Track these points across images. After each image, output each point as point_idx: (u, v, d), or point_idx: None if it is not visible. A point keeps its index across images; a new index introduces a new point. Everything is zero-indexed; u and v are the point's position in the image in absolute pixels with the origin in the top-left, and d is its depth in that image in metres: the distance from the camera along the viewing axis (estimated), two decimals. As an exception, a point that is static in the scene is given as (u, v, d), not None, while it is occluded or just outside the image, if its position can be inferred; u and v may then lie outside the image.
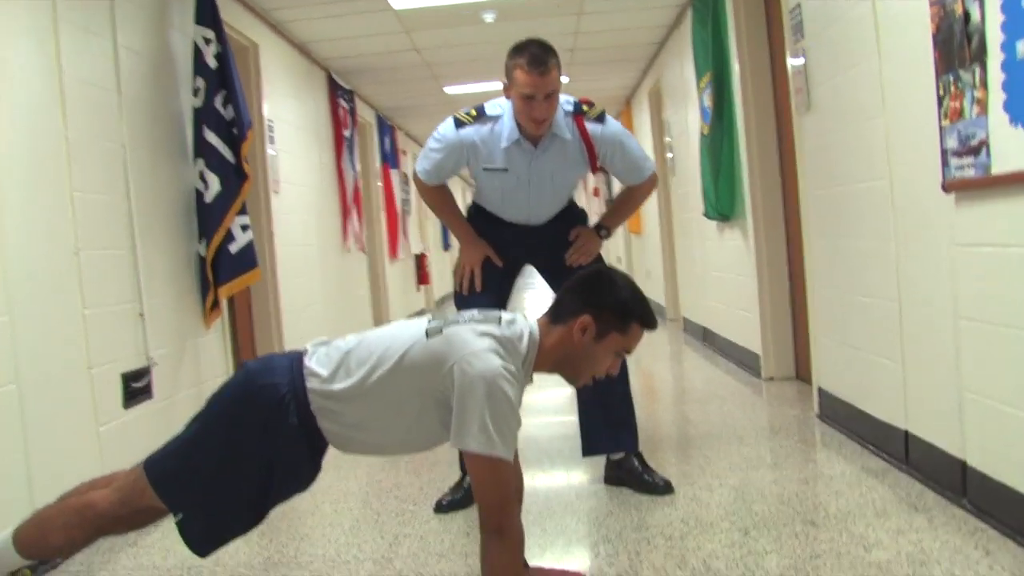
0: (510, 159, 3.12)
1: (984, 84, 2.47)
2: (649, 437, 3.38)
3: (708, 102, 5.64)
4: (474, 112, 3.14)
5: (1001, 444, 2.57)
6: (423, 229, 12.64)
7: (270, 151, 5.58)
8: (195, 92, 4.18)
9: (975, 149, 2.54)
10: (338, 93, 7.49)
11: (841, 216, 3.72)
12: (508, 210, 3.29)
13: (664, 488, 3.20)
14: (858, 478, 3.20)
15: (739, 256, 5.57)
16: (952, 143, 2.67)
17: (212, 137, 4.15)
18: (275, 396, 2.14)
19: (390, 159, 9.72)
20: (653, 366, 6.48)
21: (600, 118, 3.16)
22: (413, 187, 11.87)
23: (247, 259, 4.27)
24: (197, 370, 4.20)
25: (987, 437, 2.64)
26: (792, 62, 4.13)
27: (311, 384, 2.16)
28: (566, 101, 3.12)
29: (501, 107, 3.12)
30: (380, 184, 9.29)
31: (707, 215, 6.00)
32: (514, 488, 2.11)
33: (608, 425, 3.31)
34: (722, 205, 5.54)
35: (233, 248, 4.21)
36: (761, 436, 4.00)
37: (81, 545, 2.38)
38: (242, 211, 4.25)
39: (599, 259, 3.37)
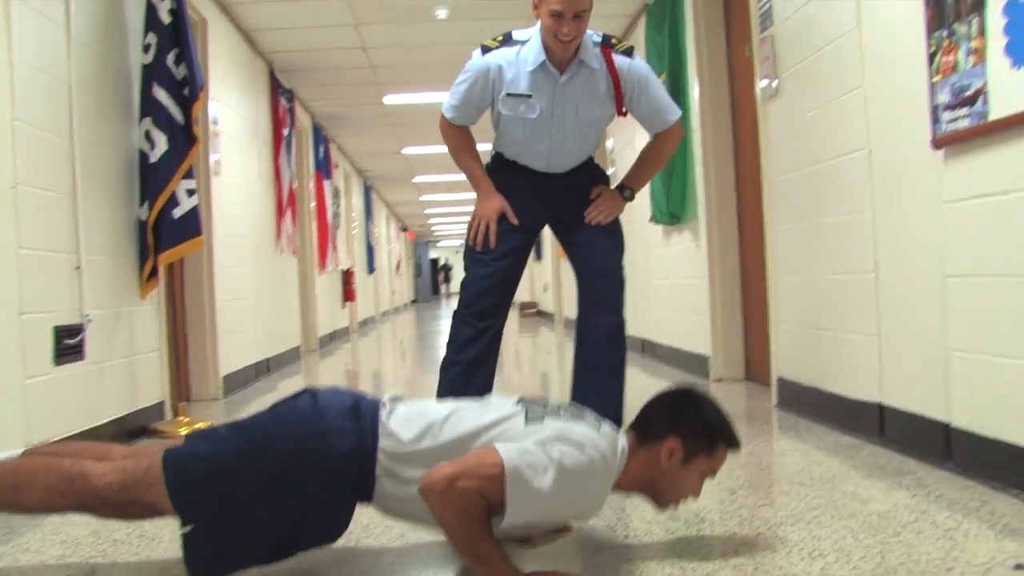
0: (535, 85, 3.05)
1: (982, 32, 2.46)
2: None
3: (661, 105, 5.61)
4: (500, 37, 3.10)
5: (992, 398, 2.52)
6: (350, 246, 12.41)
7: (214, 130, 5.36)
8: (145, 48, 3.96)
9: (970, 99, 2.53)
10: (279, 90, 7.29)
11: (810, 198, 3.69)
12: (529, 150, 3.18)
13: None
14: (834, 450, 3.13)
15: (688, 259, 5.54)
16: (944, 97, 2.65)
17: (162, 95, 3.93)
18: (342, 446, 1.94)
19: (323, 168, 9.52)
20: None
21: (628, 52, 3.11)
22: (343, 201, 11.77)
23: (191, 225, 4.03)
24: (131, 340, 3.94)
25: (976, 394, 2.60)
26: (759, 51, 4.12)
27: (384, 444, 1.96)
28: (595, 33, 3.09)
29: (529, 33, 3.08)
30: (313, 191, 9.08)
31: (655, 220, 5.97)
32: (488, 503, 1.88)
33: (598, 395, 3.18)
34: (674, 206, 5.51)
35: (177, 213, 3.97)
36: (723, 422, 3.91)
37: (53, 512, 2.11)
38: (188, 175, 4.03)
39: (616, 221, 3.29)
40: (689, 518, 2.38)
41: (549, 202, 3.23)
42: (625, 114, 3.20)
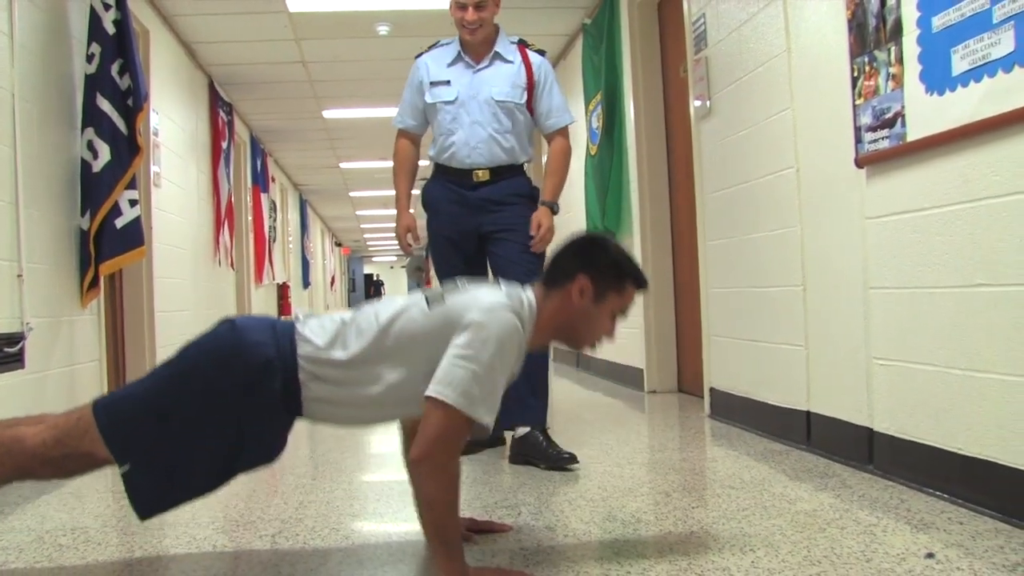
0: (453, 73, 3.44)
1: (900, 60, 2.63)
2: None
3: (597, 123, 5.77)
4: (430, 45, 3.57)
5: (909, 402, 2.67)
6: (287, 260, 12.35)
7: (154, 142, 5.35)
8: (89, 58, 3.97)
9: (890, 121, 2.69)
10: (218, 103, 7.28)
11: (741, 213, 3.85)
12: (451, 139, 3.41)
13: (569, 459, 3.17)
14: (764, 456, 3.26)
15: (624, 274, 5.66)
16: (866, 119, 2.81)
17: (105, 105, 3.94)
18: (263, 356, 1.98)
19: (260, 182, 9.49)
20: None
21: (541, 52, 3.53)
22: (280, 215, 11.73)
23: (133, 235, 4.04)
24: (71, 349, 3.92)
25: (895, 398, 2.75)
26: (694, 71, 4.28)
27: (303, 350, 2.01)
28: (513, 36, 3.54)
29: (452, 38, 3.52)
30: (251, 204, 9.04)
31: (591, 236, 6.09)
32: (464, 438, 1.99)
33: (523, 396, 3.27)
34: (609, 221, 5.65)
35: (119, 223, 3.98)
36: (656, 430, 4.05)
37: None
38: (131, 185, 4.04)
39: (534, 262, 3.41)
40: (626, 519, 2.48)
41: (477, 211, 3.42)
42: (531, 110, 3.46)
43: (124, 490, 2.00)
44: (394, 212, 3.60)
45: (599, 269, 2.09)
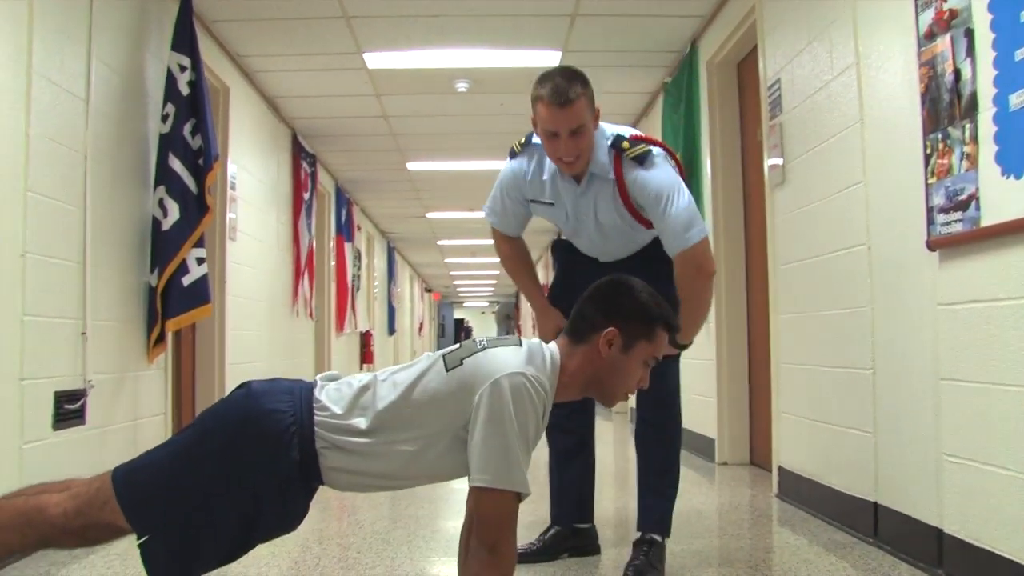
0: (555, 193, 2.83)
1: (975, 139, 2.47)
2: (604, 508, 3.22)
3: (675, 184, 5.66)
4: (523, 140, 2.88)
5: (983, 507, 2.48)
6: (371, 307, 12.48)
7: (231, 195, 5.45)
8: (163, 118, 4.07)
9: (963, 204, 2.53)
10: (301, 155, 7.41)
11: (813, 288, 3.69)
12: (578, 242, 2.99)
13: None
14: (826, 548, 3.08)
15: (697, 339, 5.50)
16: (939, 200, 2.66)
17: (176, 164, 4.02)
18: (280, 424, 1.94)
19: (345, 231, 9.62)
20: (600, 451, 6.31)
21: (640, 159, 2.68)
22: (365, 262, 11.87)
23: (200, 293, 4.09)
24: (135, 404, 3.97)
25: (968, 501, 2.55)
26: (768, 138, 4.16)
27: (320, 418, 1.97)
28: (610, 132, 2.73)
29: None
30: (333, 254, 9.17)
31: (666, 298, 5.96)
32: (517, 515, 1.95)
33: (645, 490, 2.93)
34: (684, 286, 5.51)
35: (186, 280, 4.04)
36: (720, 511, 3.87)
37: (17, 551, 2.11)
38: (199, 243, 4.10)
39: (676, 359, 2.95)
40: (668, 619, 2.35)
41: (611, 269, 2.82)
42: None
43: (140, 560, 1.96)
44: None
45: (626, 317, 2.01)
